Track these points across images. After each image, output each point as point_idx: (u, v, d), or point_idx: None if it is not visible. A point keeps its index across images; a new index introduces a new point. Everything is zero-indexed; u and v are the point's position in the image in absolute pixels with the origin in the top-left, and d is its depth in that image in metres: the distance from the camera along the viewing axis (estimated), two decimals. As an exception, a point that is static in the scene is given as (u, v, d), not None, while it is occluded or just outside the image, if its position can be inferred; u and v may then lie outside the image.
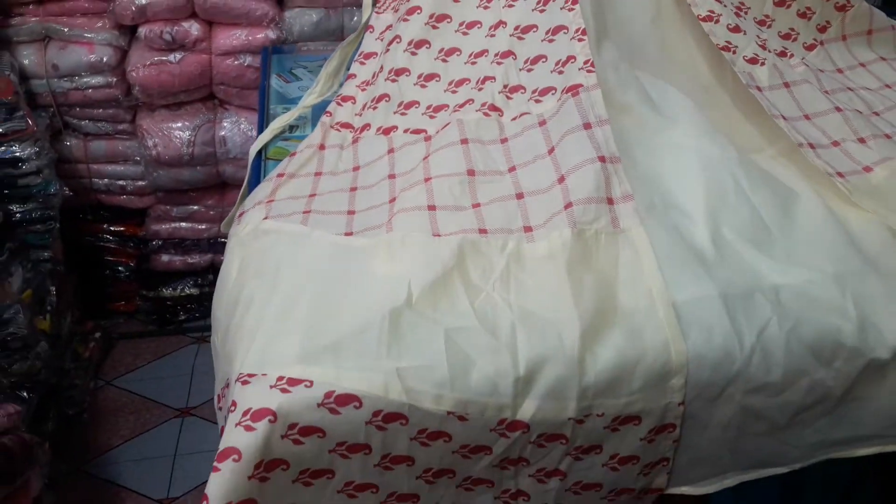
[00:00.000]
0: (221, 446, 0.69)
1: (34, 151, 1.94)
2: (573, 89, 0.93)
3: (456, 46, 1.05)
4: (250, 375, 0.71)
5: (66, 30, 2.13)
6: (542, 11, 1.00)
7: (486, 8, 1.05)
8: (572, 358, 0.73)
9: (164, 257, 2.49)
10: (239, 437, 0.68)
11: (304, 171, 1.00)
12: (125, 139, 2.30)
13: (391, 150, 1.00)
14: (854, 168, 0.94)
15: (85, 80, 2.15)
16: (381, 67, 1.08)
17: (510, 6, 1.03)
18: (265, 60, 1.48)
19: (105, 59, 2.14)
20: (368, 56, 1.12)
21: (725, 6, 1.07)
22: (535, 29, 1.00)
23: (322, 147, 1.04)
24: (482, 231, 0.84)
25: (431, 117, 1.02)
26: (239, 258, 0.88)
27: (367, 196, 0.94)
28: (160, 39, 2.11)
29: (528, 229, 0.84)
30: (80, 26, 2.13)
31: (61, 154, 2.21)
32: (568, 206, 0.83)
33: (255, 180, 1.08)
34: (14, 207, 1.93)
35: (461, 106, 1.01)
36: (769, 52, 1.07)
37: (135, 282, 2.52)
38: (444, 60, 1.05)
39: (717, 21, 1.05)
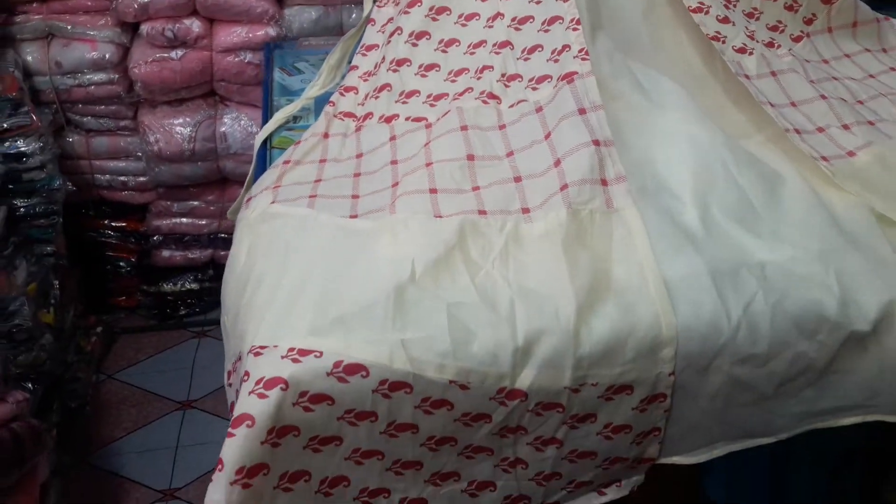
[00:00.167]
0: (235, 413, 0.72)
1: (38, 147, 1.97)
2: (568, 76, 0.96)
3: (455, 37, 1.09)
4: (262, 347, 0.74)
5: (69, 27, 2.16)
6: (538, 3, 1.04)
7: (483, 0, 1.09)
8: (568, 330, 0.77)
9: (165, 253, 2.52)
10: (252, 404, 0.71)
11: (309, 159, 1.03)
12: (127, 135, 2.33)
13: (393, 138, 1.04)
14: (838, 152, 0.98)
15: (87, 76, 2.19)
16: (383, 58, 1.11)
17: (507, -2, 1.07)
18: (268, 55, 1.51)
19: (107, 57, 2.17)
20: (370, 48, 1.15)
21: (715, -1, 1.11)
22: (531, 20, 1.04)
23: (326, 135, 1.07)
24: (482, 212, 0.88)
25: (432, 105, 1.06)
26: (248, 241, 0.92)
27: (371, 181, 0.98)
28: (162, 37, 2.14)
29: (525, 210, 0.88)
30: (82, 24, 2.16)
31: (64, 150, 2.24)
32: (564, 187, 0.87)
33: (261, 168, 1.11)
34: (18, 202, 1.96)
35: (461, 94, 1.05)
36: (757, 42, 1.11)
37: (136, 277, 2.55)
38: (443, 51, 1.09)
39: (706, 12, 1.09)
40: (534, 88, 1.00)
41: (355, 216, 0.91)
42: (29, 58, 2.16)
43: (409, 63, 1.08)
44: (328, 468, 0.77)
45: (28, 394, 1.49)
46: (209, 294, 2.58)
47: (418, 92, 1.08)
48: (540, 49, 1.02)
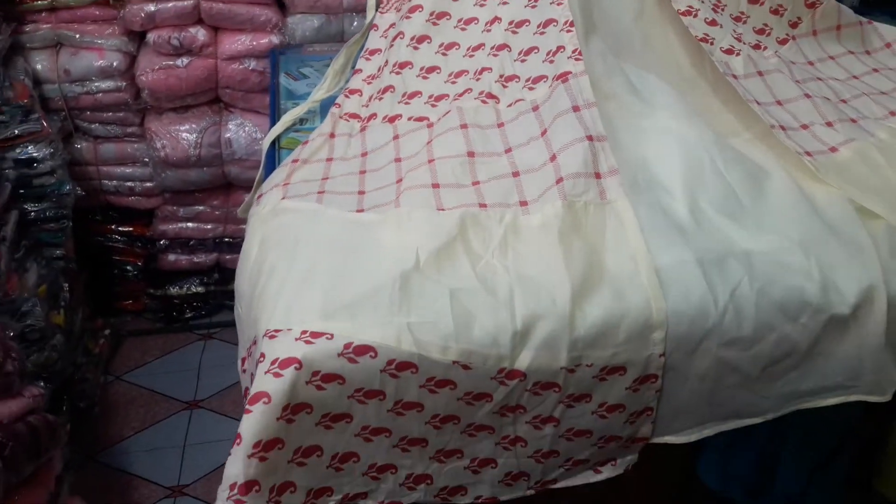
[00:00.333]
0: (252, 391, 0.77)
1: (49, 152, 2.01)
2: (563, 76, 1.01)
3: (455, 41, 1.13)
4: (277, 331, 0.79)
5: (77, 36, 2.20)
6: (533, 7, 1.09)
7: (482, 5, 1.14)
8: (563, 314, 0.81)
9: (171, 257, 2.55)
10: (268, 383, 0.76)
11: (317, 157, 1.08)
12: (134, 142, 2.37)
13: (396, 137, 1.09)
14: (821, 148, 1.03)
15: (95, 84, 2.23)
16: (386, 62, 1.16)
17: (504, 3, 1.12)
18: (274, 61, 1.56)
19: (115, 65, 2.22)
20: (373, 52, 1.20)
21: (703, 2, 1.16)
22: (527, 23, 1.09)
23: (332, 135, 1.12)
24: (482, 205, 0.93)
25: (433, 106, 1.11)
26: (260, 234, 0.96)
27: (376, 177, 1.02)
28: (168, 45, 2.18)
29: (523, 203, 0.93)
30: (90, 33, 2.20)
31: (72, 156, 2.28)
32: (559, 180, 0.92)
33: (270, 167, 1.16)
34: (29, 206, 2.00)
35: (461, 95, 1.10)
36: (744, 44, 1.16)
37: (142, 281, 2.58)
38: (444, 54, 1.13)
39: (695, 15, 1.14)
40: (530, 88, 1.05)
41: (362, 210, 0.96)
42: (38, 66, 2.20)
43: (410, 66, 1.13)
44: (339, 444, 0.82)
45: (43, 389, 1.53)
46: (214, 297, 2.62)
47: (420, 93, 1.12)
48: (536, 51, 1.07)
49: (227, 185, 2.47)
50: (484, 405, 0.83)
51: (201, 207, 2.49)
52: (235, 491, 0.76)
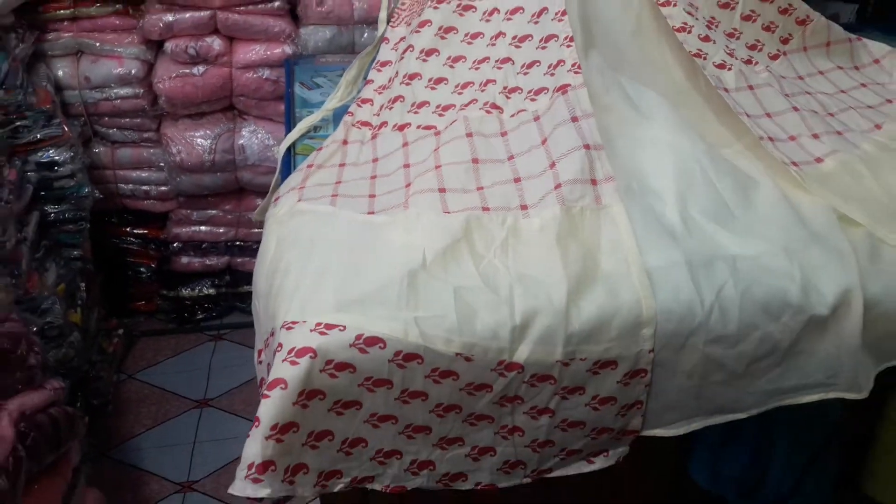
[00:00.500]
0: (270, 378, 0.83)
1: (69, 156, 2.08)
2: (563, 88, 1.08)
3: (462, 54, 1.20)
4: (293, 322, 0.85)
5: (97, 44, 2.28)
6: (535, 23, 1.15)
7: (487, 21, 1.20)
8: (560, 311, 0.87)
9: (184, 259, 2.62)
10: (285, 370, 0.81)
11: (331, 163, 1.14)
12: (150, 147, 2.44)
13: (405, 144, 1.15)
14: (807, 159, 1.09)
15: (114, 91, 2.30)
16: (396, 73, 1.22)
17: (508, 19, 1.18)
18: (288, 71, 1.63)
19: (133, 72, 2.29)
20: (384, 64, 1.27)
21: (697, 19, 1.22)
22: (530, 38, 1.15)
23: (345, 142, 1.18)
24: (485, 209, 0.99)
25: (440, 115, 1.17)
26: (276, 234, 1.03)
27: (386, 182, 1.09)
28: (185, 54, 2.26)
29: (524, 207, 0.99)
30: (110, 41, 2.28)
31: (90, 160, 2.35)
32: (558, 186, 0.97)
33: (286, 172, 1.23)
34: (49, 208, 2.07)
35: (466, 105, 1.16)
36: (736, 59, 1.22)
37: (155, 282, 2.65)
38: (451, 66, 1.20)
39: (689, 31, 1.20)
40: (532, 99, 1.11)
41: (372, 212, 1.02)
42: (60, 73, 2.28)
43: (419, 77, 1.20)
44: (349, 430, 0.87)
45: (63, 383, 1.59)
46: (225, 299, 2.68)
47: (428, 103, 1.19)
48: (538, 64, 1.13)
49: (239, 189, 2.53)
50: (484, 395, 0.89)
51: (214, 211, 2.56)
52: (253, 470, 0.81)
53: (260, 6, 2.23)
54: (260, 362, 0.97)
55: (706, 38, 1.20)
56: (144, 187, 2.51)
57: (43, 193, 2.04)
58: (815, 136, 1.13)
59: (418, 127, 1.17)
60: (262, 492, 0.82)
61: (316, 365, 0.82)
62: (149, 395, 2.32)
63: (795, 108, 1.17)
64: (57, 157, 2.07)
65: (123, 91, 2.31)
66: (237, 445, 0.85)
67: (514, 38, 1.16)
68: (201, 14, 2.23)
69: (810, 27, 1.31)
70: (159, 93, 2.30)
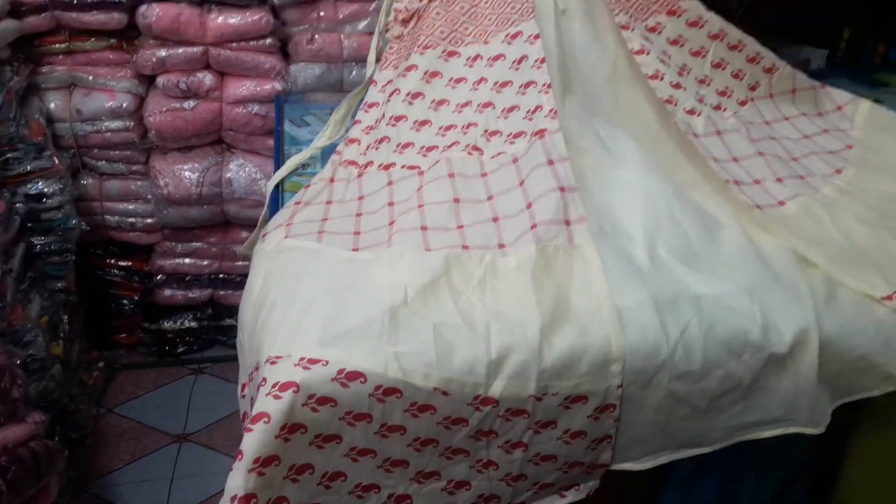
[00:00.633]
0: (254, 412, 0.85)
1: (58, 188, 2.10)
2: (540, 133, 1.13)
3: (445, 98, 1.25)
4: (278, 357, 0.88)
5: (90, 78, 2.31)
6: (516, 70, 1.21)
7: (470, 67, 1.25)
8: (533, 347, 0.91)
9: (167, 292, 2.62)
10: (269, 404, 0.84)
11: (318, 200, 1.19)
12: (138, 179, 2.46)
13: (390, 183, 1.20)
14: (770, 202, 1.14)
15: (105, 124, 2.33)
16: (383, 115, 1.27)
17: (490, 65, 1.24)
18: (279, 108, 1.67)
19: (124, 106, 2.32)
20: (372, 105, 1.32)
21: (669, 66, 1.28)
22: (510, 84, 1.21)
23: (332, 180, 1.23)
24: (465, 247, 1.03)
25: (424, 156, 1.22)
26: (264, 269, 1.06)
27: (371, 220, 1.13)
28: (176, 88, 2.30)
29: (501, 246, 1.03)
30: (103, 75, 2.31)
31: (78, 192, 2.37)
32: (534, 226, 1.02)
33: (274, 208, 1.27)
34: (35, 240, 2.08)
35: (449, 147, 1.21)
36: (705, 105, 1.28)
37: (138, 314, 2.64)
38: (435, 109, 1.25)
39: (661, 79, 1.26)
40: (511, 143, 1.17)
41: (357, 249, 1.06)
42: (52, 105, 2.30)
43: (405, 119, 1.25)
44: (329, 463, 0.90)
45: (44, 416, 1.59)
46: (207, 332, 2.68)
47: (413, 144, 1.24)
48: (517, 109, 1.19)
49: (225, 222, 2.55)
50: (461, 429, 0.92)
51: (199, 244, 2.57)
52: (236, 503, 0.84)
53: (252, 43, 2.28)
54: (243, 396, 1.00)
55: (677, 86, 1.26)
56: (130, 219, 2.52)
57: (30, 225, 2.05)
58: (779, 180, 1.19)
59: (403, 167, 1.21)
60: (245, 524, 0.84)
61: (298, 399, 0.85)
62: (128, 430, 2.30)
63: (761, 153, 1.23)
64: (46, 189, 2.08)
65: (114, 124, 2.34)
66: (214, 481, 0.87)
67: (495, 83, 1.22)
68: (194, 50, 2.27)
69: (777, 75, 1.37)
70: (149, 126, 2.33)
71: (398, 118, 1.24)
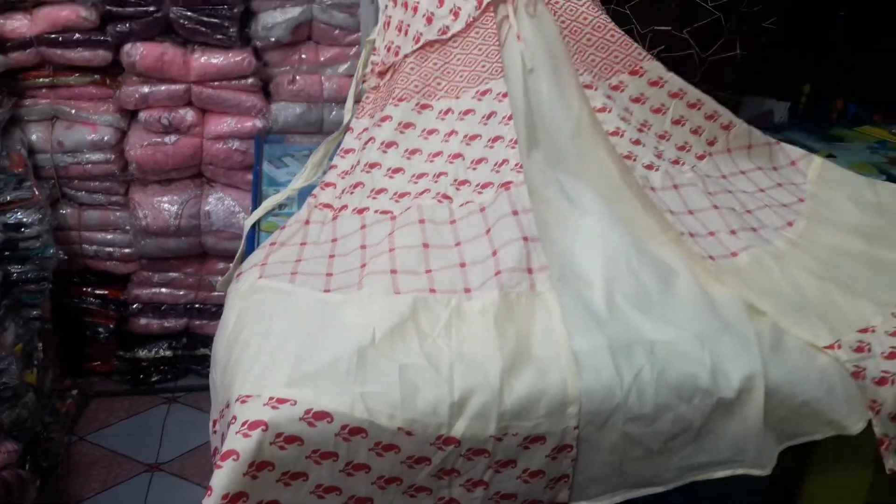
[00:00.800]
0: (224, 449, 0.89)
1: (37, 218, 2.13)
2: (506, 185, 1.19)
3: (418, 147, 1.31)
4: (248, 396, 0.92)
5: (73, 111, 2.35)
6: (485, 125, 1.28)
7: (442, 119, 1.32)
8: (494, 389, 0.95)
9: (143, 320, 2.64)
10: (238, 442, 0.88)
11: (292, 241, 1.23)
12: (117, 210, 2.49)
13: (363, 227, 1.25)
14: (723, 253, 1.21)
15: (86, 156, 2.36)
16: (358, 161, 1.33)
17: (461, 119, 1.30)
18: (258, 148, 1.72)
19: (106, 139, 2.36)
20: (348, 151, 1.37)
21: (630, 123, 1.35)
22: (479, 137, 1.27)
23: (307, 222, 1.28)
24: (432, 291, 1.08)
25: (397, 201, 1.27)
26: (238, 308, 1.10)
27: (343, 262, 1.18)
28: (158, 123, 2.34)
29: (467, 290, 1.08)
30: (85, 109, 2.36)
31: (57, 222, 2.39)
32: (498, 273, 1.08)
33: (250, 248, 1.31)
34: (12, 268, 2.10)
35: (421, 194, 1.26)
36: (663, 160, 1.35)
37: (113, 343, 2.66)
38: (408, 158, 1.31)
39: (621, 135, 1.33)
40: (479, 192, 1.23)
41: (329, 290, 1.10)
42: (34, 137, 2.34)
43: (379, 166, 1.30)
44: (296, 500, 0.93)
45: (16, 446, 1.59)
46: (182, 361, 2.69)
47: (386, 190, 1.29)
48: (485, 161, 1.25)
49: (202, 253, 2.58)
50: (424, 468, 0.96)
51: (176, 274, 2.60)
52: (204, 536, 0.87)
53: (234, 82, 2.34)
54: (214, 432, 1.03)
55: (637, 142, 1.34)
56: (108, 249, 2.55)
57: (7, 253, 2.07)
58: (733, 232, 1.25)
59: (376, 211, 1.27)
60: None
61: (267, 437, 0.88)
62: (100, 458, 2.31)
63: (716, 206, 1.30)
64: (24, 219, 2.11)
65: (95, 156, 2.38)
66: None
67: (465, 136, 1.28)
68: (176, 87, 2.33)
69: (734, 132, 1.45)
70: (130, 160, 2.36)
71: (373, 165, 1.30)
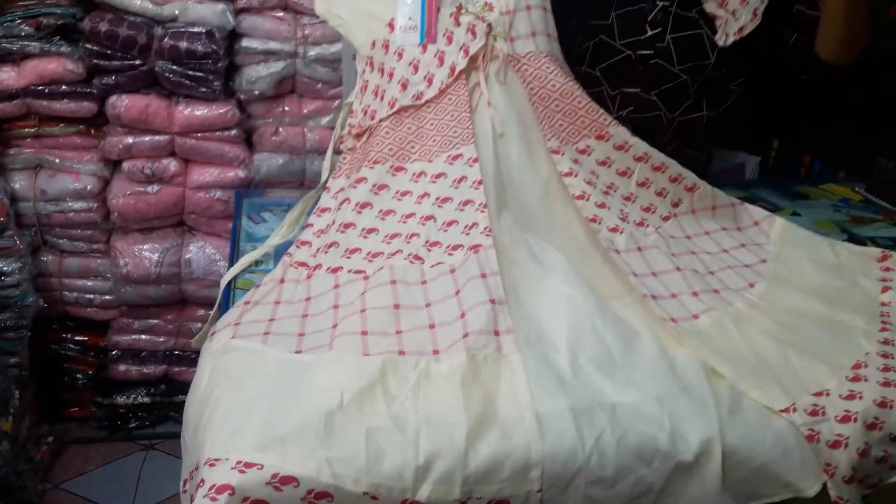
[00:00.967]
0: (192, 514, 0.90)
1: (17, 267, 2.15)
2: (475, 248, 1.23)
3: (392, 209, 1.35)
4: (216, 460, 0.94)
5: (56, 160, 2.39)
6: (456, 188, 1.32)
7: (416, 182, 1.36)
8: (459, 452, 0.98)
9: (122, 367, 2.64)
10: (205, 506, 0.90)
11: (266, 300, 1.26)
12: (98, 257, 2.52)
13: (337, 286, 1.28)
14: (685, 315, 1.24)
15: (69, 204, 2.40)
16: (334, 221, 1.37)
17: (433, 182, 1.35)
18: (238, 203, 1.76)
19: (89, 188, 2.39)
20: (324, 210, 1.41)
21: (596, 187, 1.40)
22: (450, 200, 1.32)
23: (282, 281, 1.30)
24: (401, 353, 1.11)
25: (370, 261, 1.30)
26: (210, 368, 1.12)
27: (315, 321, 1.20)
28: (141, 173, 2.38)
29: (435, 352, 1.11)
30: (69, 158, 2.39)
31: (37, 268, 2.41)
32: (465, 335, 1.11)
33: (225, 306, 1.33)
34: (-9, 316, 2.12)
35: (394, 254, 1.30)
36: (628, 223, 1.40)
37: (91, 389, 2.65)
38: (382, 218, 1.35)
39: (587, 199, 1.38)
40: (450, 254, 1.26)
41: (300, 351, 1.13)
42: (17, 185, 2.37)
43: (354, 227, 1.34)
44: (260, 562, 0.94)
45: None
46: (160, 408, 2.69)
47: (360, 250, 1.32)
48: (456, 223, 1.29)
49: (182, 300, 2.60)
50: (389, 531, 0.97)
51: (156, 321, 2.61)
52: None
53: (217, 133, 2.39)
54: (184, 492, 1.04)
55: (602, 205, 1.38)
56: (89, 295, 2.56)
57: (-14, 302, 2.09)
58: (695, 294, 1.30)
59: (350, 271, 1.30)
60: None
61: (233, 501, 0.90)
62: (74, 507, 2.30)
63: (678, 268, 1.34)
64: (4, 268, 2.14)
65: (77, 205, 2.41)
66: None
67: (437, 199, 1.33)
68: (160, 138, 2.37)
69: (698, 193, 1.50)
70: (113, 209, 2.40)
71: (347, 225, 1.34)
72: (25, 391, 2.27)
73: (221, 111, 2.31)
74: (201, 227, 2.49)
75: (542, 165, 1.37)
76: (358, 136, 1.45)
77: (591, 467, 1.00)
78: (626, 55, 1.83)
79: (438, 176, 1.34)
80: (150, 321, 2.59)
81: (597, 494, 1.02)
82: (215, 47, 2.23)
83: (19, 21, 2.19)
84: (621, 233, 1.38)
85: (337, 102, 2.43)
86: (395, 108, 1.41)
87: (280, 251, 1.46)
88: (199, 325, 2.50)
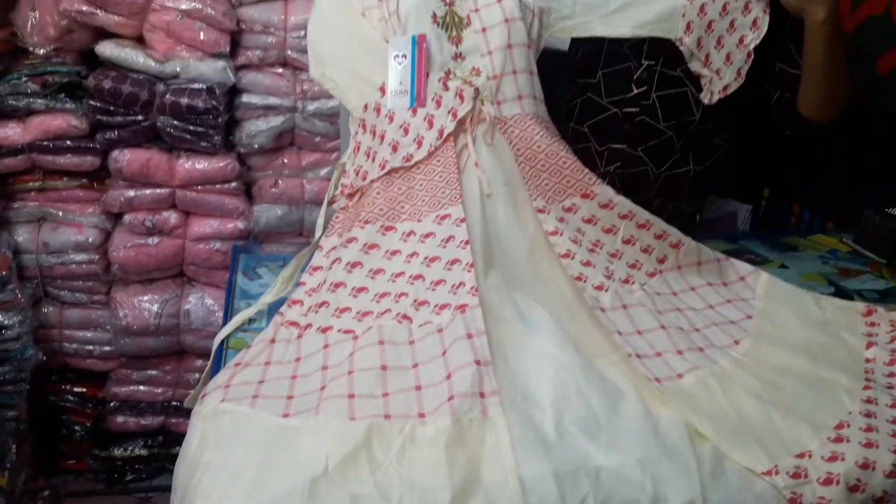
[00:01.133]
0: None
1: (18, 320, 2.18)
2: (462, 307, 1.26)
3: (381, 268, 1.38)
4: (203, 526, 0.95)
5: (60, 213, 2.44)
6: (444, 247, 1.35)
7: (405, 241, 1.39)
8: (442, 518, 0.99)
9: (120, 418, 2.65)
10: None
11: (256, 361, 1.28)
12: (98, 308, 2.55)
13: (326, 346, 1.30)
14: (669, 374, 1.26)
15: (71, 256, 2.44)
16: (325, 280, 1.39)
17: (422, 241, 1.38)
18: (234, 259, 1.79)
19: (91, 240, 2.44)
20: (316, 269, 1.44)
21: (581, 245, 1.43)
22: (438, 260, 1.35)
23: (273, 341, 1.33)
24: (387, 416, 1.12)
25: (360, 320, 1.33)
26: (200, 431, 1.14)
27: (304, 383, 1.22)
28: (142, 226, 2.42)
29: (421, 415, 1.13)
30: (72, 211, 2.44)
31: (38, 320, 2.44)
32: (451, 398, 1.12)
33: (217, 366, 1.35)
34: (-10, 369, 2.14)
35: (382, 313, 1.32)
36: (613, 281, 1.42)
37: (88, 441, 2.66)
38: (372, 278, 1.37)
39: (572, 258, 1.40)
40: (437, 313, 1.29)
41: (287, 415, 1.15)
42: (20, 238, 2.41)
43: (344, 286, 1.37)
44: None
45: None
46: (157, 460, 2.69)
47: (350, 309, 1.35)
48: (443, 283, 1.32)
49: (180, 351, 2.62)
50: None
51: (154, 372, 2.63)
52: None
53: (217, 186, 2.44)
54: (172, 555, 1.05)
55: (587, 263, 1.41)
56: (88, 347, 2.59)
57: (-14, 355, 2.11)
58: (680, 353, 1.31)
59: (339, 330, 1.32)
60: None
61: (219, 568, 0.92)
62: (68, 562, 2.28)
63: (663, 326, 1.36)
64: (5, 321, 2.16)
65: (79, 257, 2.45)
66: None
67: (425, 258, 1.36)
68: (161, 191, 2.42)
69: (683, 249, 1.53)
70: (113, 260, 2.43)
71: (338, 285, 1.36)
72: (23, 444, 2.28)
73: (222, 164, 2.36)
74: (200, 278, 2.52)
75: (529, 225, 1.41)
76: (350, 195, 1.49)
77: (573, 531, 1.01)
78: (613, 112, 1.88)
79: (427, 235, 1.37)
80: (149, 372, 2.61)
81: (579, 558, 1.02)
82: (216, 103, 2.29)
83: (25, 79, 2.26)
84: (606, 290, 1.40)
85: (335, 155, 2.48)
86: (385, 170, 1.45)
87: (273, 308, 1.49)
88: (197, 375, 2.51)
